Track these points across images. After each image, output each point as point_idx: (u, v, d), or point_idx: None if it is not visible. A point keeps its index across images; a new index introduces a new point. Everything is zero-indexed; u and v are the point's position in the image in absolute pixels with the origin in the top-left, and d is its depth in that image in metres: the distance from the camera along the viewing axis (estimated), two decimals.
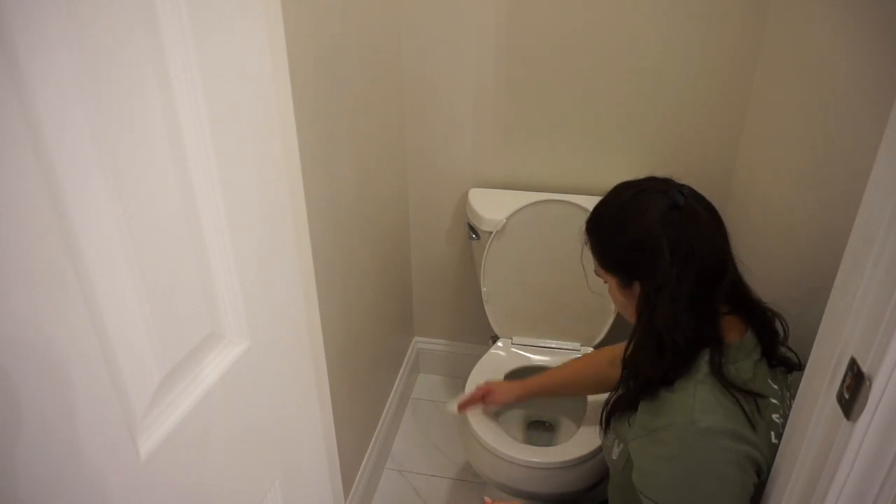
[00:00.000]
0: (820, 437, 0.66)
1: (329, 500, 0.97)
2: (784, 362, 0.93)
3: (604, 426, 1.04)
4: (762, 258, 1.37)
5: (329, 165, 1.24)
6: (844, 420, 0.60)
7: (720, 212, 0.95)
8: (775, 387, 0.90)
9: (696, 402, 0.86)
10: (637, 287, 0.94)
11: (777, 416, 0.88)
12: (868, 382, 0.57)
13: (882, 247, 0.57)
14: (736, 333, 0.92)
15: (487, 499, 1.12)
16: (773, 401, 0.89)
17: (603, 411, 1.04)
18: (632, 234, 0.92)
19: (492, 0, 1.53)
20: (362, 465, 1.64)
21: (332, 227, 1.28)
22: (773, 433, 0.87)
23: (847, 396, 0.60)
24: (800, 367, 0.93)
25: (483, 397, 1.39)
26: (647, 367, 0.93)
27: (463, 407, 1.41)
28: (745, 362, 0.90)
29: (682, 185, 0.93)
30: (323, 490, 0.95)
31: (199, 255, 0.57)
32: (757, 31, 1.43)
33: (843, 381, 0.61)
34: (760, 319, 0.93)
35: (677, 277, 0.87)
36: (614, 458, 1.00)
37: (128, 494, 0.50)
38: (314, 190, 1.15)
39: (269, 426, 0.73)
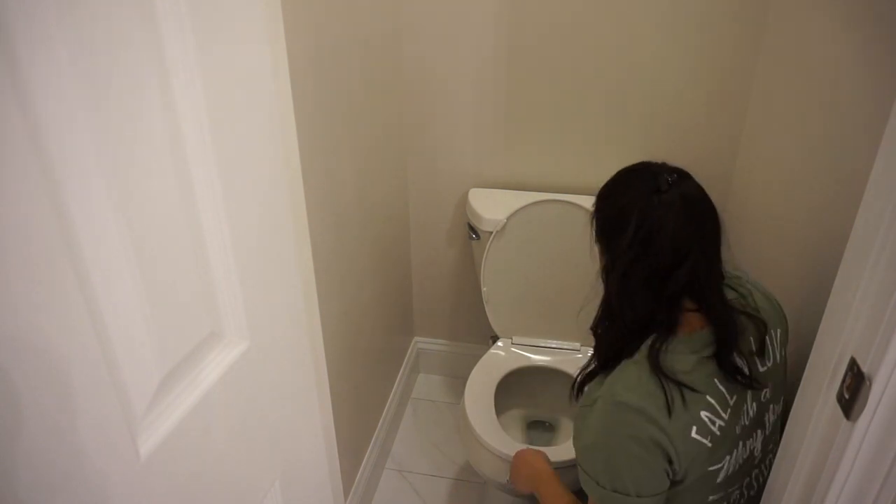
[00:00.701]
0: (820, 437, 0.66)
1: (329, 500, 0.97)
2: (736, 371, 0.91)
3: (574, 393, 1.09)
4: (762, 258, 1.37)
5: (329, 165, 1.24)
6: (844, 420, 0.60)
7: (720, 211, 0.94)
8: (721, 389, 0.90)
9: (622, 377, 0.91)
10: (605, 259, 0.98)
11: (709, 414, 0.88)
12: (868, 382, 0.57)
13: (882, 247, 0.57)
14: (690, 329, 0.93)
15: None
16: (710, 399, 0.89)
17: (575, 380, 1.08)
18: (611, 207, 0.97)
19: (491, 0, 1.53)
20: (362, 465, 1.64)
21: (332, 227, 1.28)
22: (695, 427, 0.87)
23: (847, 396, 0.60)
24: (749, 382, 0.91)
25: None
26: (604, 340, 0.98)
27: None
28: (688, 355, 0.91)
29: (677, 177, 0.93)
30: (323, 490, 0.95)
31: (199, 255, 0.57)
32: (757, 31, 1.43)
33: (843, 381, 0.61)
34: (722, 320, 0.92)
35: (632, 259, 0.91)
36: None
37: (128, 494, 0.50)
38: (314, 190, 1.15)
39: (268, 426, 0.73)
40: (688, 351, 0.91)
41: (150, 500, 0.53)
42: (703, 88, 1.53)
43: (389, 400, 1.87)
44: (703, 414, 0.88)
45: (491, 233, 1.59)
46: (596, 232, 1.01)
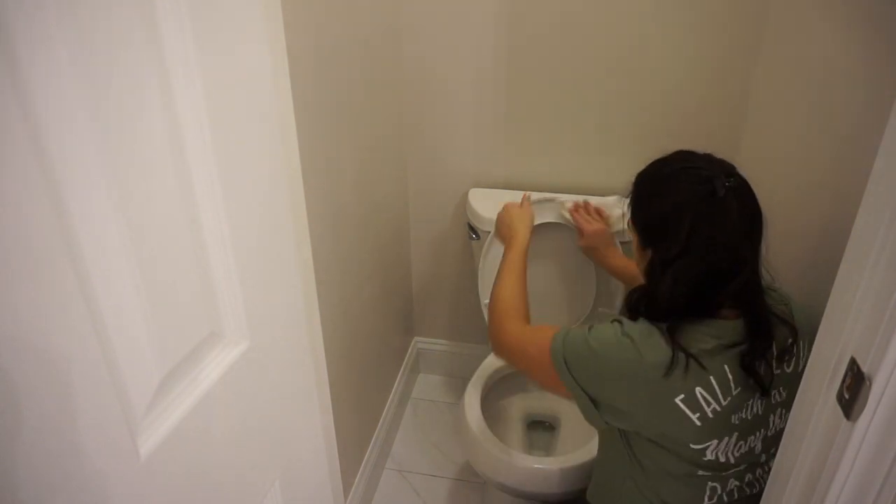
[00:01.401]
0: (820, 437, 0.66)
1: (329, 500, 0.98)
2: (754, 375, 0.91)
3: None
4: (762, 258, 1.37)
5: (329, 165, 1.24)
6: (844, 420, 0.60)
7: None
8: (729, 376, 0.90)
9: (638, 326, 0.92)
10: (650, 253, 0.97)
11: (704, 393, 0.88)
12: (868, 382, 0.57)
13: (882, 247, 0.57)
14: (721, 317, 0.94)
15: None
16: (712, 379, 0.88)
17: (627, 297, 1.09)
18: (660, 206, 0.94)
19: (491, 0, 1.53)
20: (362, 465, 1.64)
21: (332, 227, 1.28)
22: (683, 395, 0.88)
23: (847, 396, 0.60)
24: (764, 389, 0.92)
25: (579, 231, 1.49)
26: (635, 304, 0.98)
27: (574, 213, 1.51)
28: (709, 337, 0.90)
29: (732, 177, 0.92)
30: (323, 490, 0.95)
31: (199, 255, 0.57)
32: (758, 30, 1.43)
33: (843, 381, 0.61)
34: (759, 322, 0.92)
35: (686, 265, 0.89)
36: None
37: (128, 494, 0.50)
38: (314, 190, 1.15)
39: (268, 426, 0.73)
40: (710, 334, 0.91)
41: (150, 500, 0.53)
42: (703, 88, 1.53)
43: (389, 400, 1.87)
44: (698, 390, 0.88)
45: (490, 233, 1.58)
46: (637, 220, 1.00)
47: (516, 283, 1.16)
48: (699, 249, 0.88)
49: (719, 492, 0.97)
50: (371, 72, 1.44)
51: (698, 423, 0.89)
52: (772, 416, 0.97)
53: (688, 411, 0.88)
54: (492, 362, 1.65)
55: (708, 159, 0.96)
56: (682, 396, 0.88)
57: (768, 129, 1.40)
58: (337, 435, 1.08)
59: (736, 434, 0.93)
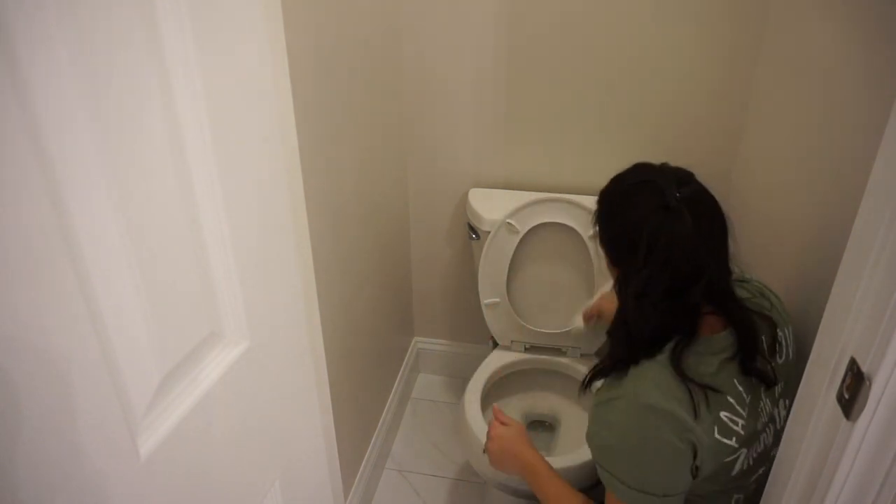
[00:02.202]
0: (820, 437, 0.66)
1: (329, 500, 0.98)
2: (758, 375, 0.92)
3: (584, 385, 1.07)
4: (762, 257, 1.37)
5: (329, 165, 1.24)
6: (844, 420, 0.60)
7: (724, 207, 0.94)
8: (740, 388, 0.91)
9: (646, 379, 0.90)
10: (617, 272, 0.98)
11: (729, 414, 0.89)
12: (868, 382, 0.57)
13: (882, 247, 0.57)
14: (711, 330, 0.94)
15: (496, 406, 1.25)
16: (730, 399, 0.90)
17: (585, 377, 1.07)
18: (618, 223, 0.96)
19: (492, 0, 1.53)
20: (362, 465, 1.64)
21: (332, 227, 1.28)
22: (716, 428, 0.88)
23: (847, 396, 0.60)
24: (774, 382, 0.94)
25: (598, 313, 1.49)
26: (617, 346, 0.97)
27: (588, 318, 1.49)
28: (710, 357, 0.91)
29: (686, 186, 0.92)
30: (323, 490, 0.95)
31: (199, 255, 0.57)
32: (758, 30, 1.43)
33: (843, 381, 0.61)
34: (742, 324, 0.93)
35: (647, 277, 0.90)
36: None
37: (128, 494, 0.50)
38: (314, 190, 1.15)
39: (268, 426, 0.73)
40: (709, 353, 0.91)
41: (150, 500, 0.53)
42: (703, 88, 1.53)
43: (389, 400, 1.87)
44: (723, 414, 0.89)
45: (489, 232, 1.59)
46: (604, 245, 1.01)
47: (561, 487, 1.11)
48: (658, 261, 0.89)
49: (742, 502, 0.98)
50: (371, 72, 1.44)
51: (736, 444, 0.90)
52: (776, 409, 0.98)
53: (725, 440, 0.89)
54: (492, 362, 1.65)
55: (662, 170, 0.96)
56: (716, 429, 0.88)
57: (768, 128, 1.40)
58: (337, 435, 1.08)
59: (759, 437, 0.94)
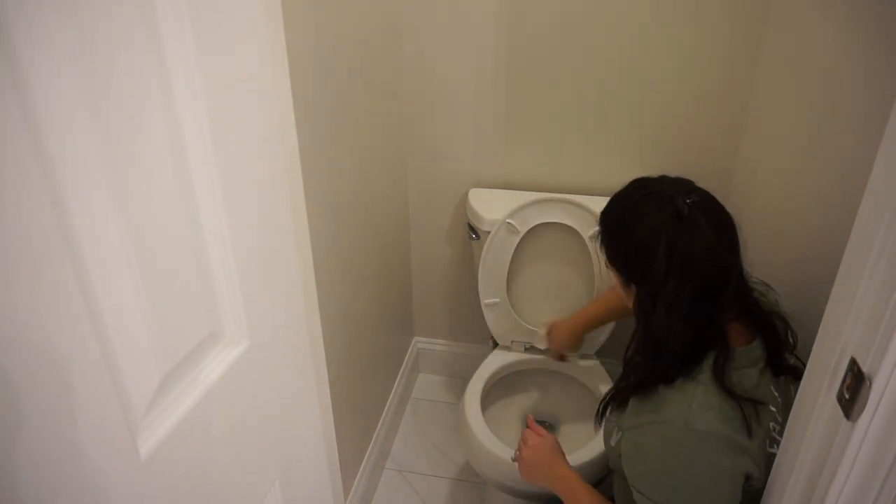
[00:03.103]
0: (820, 437, 0.66)
1: (329, 500, 0.98)
2: (792, 371, 0.92)
3: (599, 417, 1.05)
4: (763, 258, 1.37)
5: (329, 165, 1.24)
6: (844, 420, 0.60)
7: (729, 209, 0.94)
8: (776, 394, 0.91)
9: (694, 402, 0.86)
10: (634, 290, 0.95)
11: (774, 423, 0.88)
12: (868, 382, 0.57)
13: (882, 247, 0.57)
14: (742, 340, 0.92)
15: (531, 416, 1.25)
16: (772, 408, 0.89)
17: (601, 404, 1.05)
18: (630, 238, 0.93)
19: (492, 0, 1.53)
20: (362, 465, 1.64)
21: (332, 227, 1.28)
22: (767, 441, 0.87)
23: (847, 396, 0.60)
24: (800, 376, 0.94)
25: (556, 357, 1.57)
26: (645, 369, 0.93)
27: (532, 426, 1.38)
28: (750, 369, 0.90)
29: (693, 192, 0.91)
30: (323, 490, 0.95)
31: (199, 255, 0.57)
32: (758, 30, 1.43)
33: (843, 381, 0.61)
34: (768, 328, 0.92)
35: (673, 287, 0.87)
36: (612, 444, 1.00)
37: (128, 494, 0.50)
38: (314, 190, 1.15)
39: (269, 426, 0.73)
40: (748, 365, 0.90)
41: (150, 500, 0.53)
42: (703, 87, 1.53)
43: (389, 400, 1.87)
44: (771, 425, 0.88)
45: (489, 232, 1.59)
46: (615, 264, 0.98)
47: (599, 501, 1.07)
48: (680, 271, 0.87)
49: None
50: (371, 72, 1.44)
51: (771, 449, 0.88)
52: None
53: (773, 450, 0.87)
54: (492, 362, 1.65)
55: (664, 182, 0.95)
56: (767, 442, 0.87)
57: (768, 128, 1.40)
58: (337, 435, 1.08)
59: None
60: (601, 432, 1.11)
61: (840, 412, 0.61)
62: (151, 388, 0.52)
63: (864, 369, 0.58)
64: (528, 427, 1.23)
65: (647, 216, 0.91)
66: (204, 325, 0.59)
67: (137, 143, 0.47)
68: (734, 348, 0.90)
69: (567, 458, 1.34)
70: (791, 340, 0.97)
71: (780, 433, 0.87)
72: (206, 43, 0.52)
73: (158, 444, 0.52)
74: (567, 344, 1.51)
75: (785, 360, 0.92)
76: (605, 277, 1.04)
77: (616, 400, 1.01)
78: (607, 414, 1.04)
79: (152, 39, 0.48)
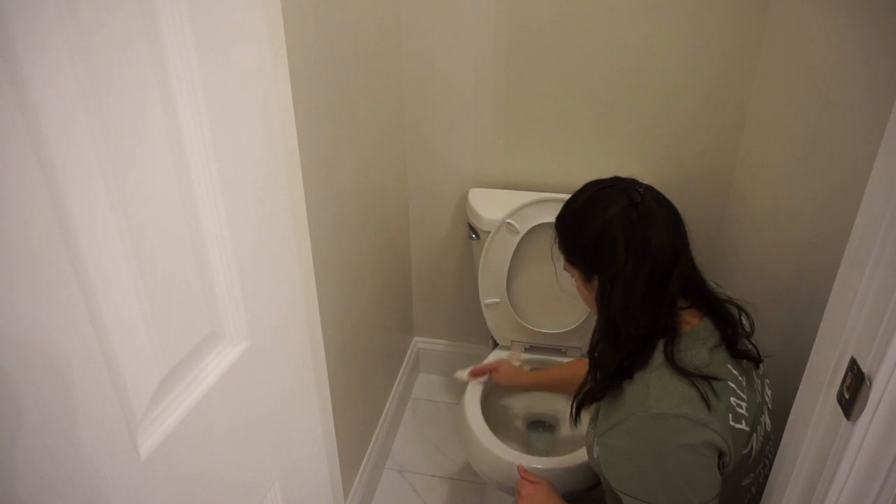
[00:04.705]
0: (820, 437, 0.66)
1: (329, 500, 0.98)
2: (745, 355, 0.96)
3: (573, 417, 1.08)
4: (763, 258, 1.37)
5: (329, 165, 1.24)
6: (844, 420, 0.60)
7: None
8: (735, 372, 0.93)
9: (650, 390, 0.89)
10: (596, 280, 0.99)
11: (736, 399, 0.90)
12: (868, 382, 0.57)
13: (882, 247, 0.57)
14: (691, 325, 0.96)
15: (521, 466, 1.26)
16: (731, 384, 0.91)
17: (572, 403, 1.08)
18: (591, 228, 0.98)
19: (492, 0, 1.53)
20: (362, 465, 1.64)
21: (332, 227, 1.28)
22: (731, 415, 0.88)
23: (847, 396, 0.60)
24: (759, 359, 0.97)
25: (492, 371, 1.54)
26: (607, 358, 0.97)
27: (475, 374, 1.55)
28: (700, 348, 0.93)
29: (642, 185, 0.98)
30: (323, 490, 0.95)
31: (199, 255, 0.57)
32: (758, 29, 1.43)
33: (843, 381, 0.61)
34: (717, 310, 0.97)
35: (632, 271, 0.92)
36: (595, 456, 1.01)
37: (128, 494, 0.50)
38: (314, 190, 1.15)
39: (269, 426, 0.73)
40: (697, 344, 0.93)
41: (150, 500, 0.53)
42: (704, 87, 1.53)
43: (389, 400, 1.87)
44: (732, 400, 0.89)
45: (489, 232, 1.59)
46: (575, 261, 1.03)
47: None
48: (638, 254, 0.92)
49: (753, 492, 0.98)
50: (371, 72, 1.44)
51: (747, 428, 0.90)
52: (766, 390, 0.99)
53: (738, 425, 0.89)
54: (492, 362, 1.65)
55: (616, 179, 1.02)
56: (731, 416, 0.88)
57: (768, 128, 1.40)
58: (337, 435, 1.08)
59: (760, 419, 0.95)
60: (571, 424, 1.12)
61: (840, 412, 0.61)
62: (151, 388, 0.52)
63: (864, 369, 0.58)
64: (519, 476, 1.24)
65: (604, 207, 0.96)
66: (204, 325, 0.59)
67: (137, 143, 0.47)
68: (682, 332, 0.95)
69: (567, 458, 1.34)
70: (748, 326, 1.00)
71: (747, 410, 0.90)
72: (206, 43, 0.52)
73: (158, 444, 0.52)
74: (509, 379, 1.55)
75: (739, 343, 0.95)
76: (562, 282, 1.07)
77: (587, 400, 1.04)
78: (581, 416, 1.08)
79: (152, 39, 0.48)
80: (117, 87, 0.44)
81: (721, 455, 0.88)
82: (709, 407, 0.86)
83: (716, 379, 0.89)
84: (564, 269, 1.07)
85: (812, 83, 1.19)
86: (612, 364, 0.96)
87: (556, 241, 1.06)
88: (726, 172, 1.60)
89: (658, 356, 0.92)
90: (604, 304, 0.97)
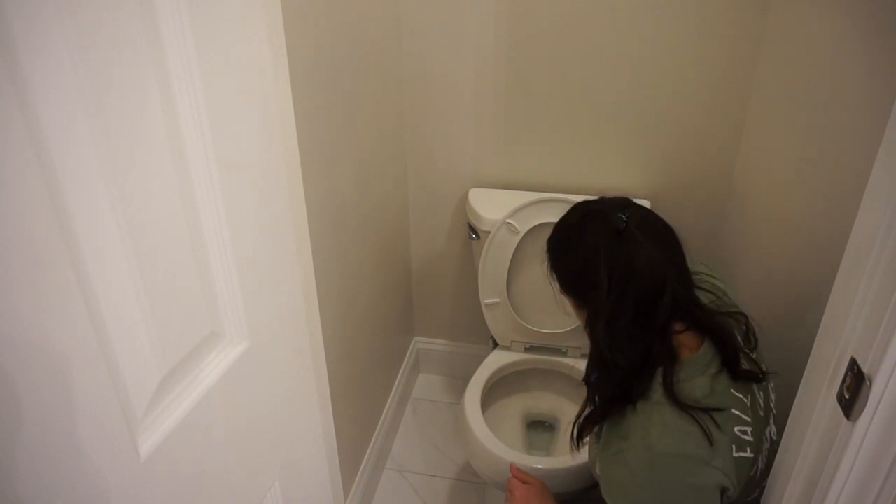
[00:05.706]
0: (820, 437, 0.66)
1: (329, 500, 0.98)
2: (748, 376, 0.92)
3: (575, 442, 1.05)
4: (763, 258, 1.37)
5: (329, 165, 1.24)
6: (844, 420, 0.60)
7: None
8: (739, 395, 0.90)
9: (651, 425, 0.88)
10: (585, 311, 0.97)
11: (740, 427, 0.88)
12: (868, 382, 0.57)
13: (882, 247, 0.57)
14: (690, 349, 0.93)
15: (514, 464, 1.22)
16: (735, 412, 0.89)
17: (573, 427, 1.05)
18: (574, 258, 0.97)
19: (492, 0, 1.53)
20: (362, 465, 1.64)
21: (332, 227, 1.28)
22: (734, 447, 0.87)
23: (847, 396, 0.60)
24: (762, 378, 0.94)
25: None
26: (603, 385, 0.96)
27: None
28: (700, 378, 0.90)
29: (628, 209, 0.95)
30: (323, 490, 0.95)
31: (199, 255, 0.57)
32: (758, 30, 1.43)
33: (843, 381, 0.61)
34: (717, 332, 0.93)
35: (614, 302, 0.90)
36: (598, 472, 1.01)
37: (128, 494, 0.50)
38: (314, 190, 1.15)
39: (269, 426, 0.73)
40: (697, 374, 0.91)
41: (150, 500, 0.53)
42: (704, 88, 1.53)
43: (389, 400, 1.87)
44: (736, 430, 0.88)
45: (489, 232, 1.59)
46: (565, 288, 1.01)
47: None
48: (621, 284, 0.89)
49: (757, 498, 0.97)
50: (371, 72, 1.44)
51: (752, 454, 0.88)
52: (770, 397, 0.98)
53: (743, 454, 0.87)
54: (492, 362, 1.65)
55: (602, 202, 0.99)
56: (734, 447, 0.87)
57: (768, 128, 1.40)
58: (337, 435, 1.08)
59: (763, 436, 0.93)
60: (571, 448, 1.08)
61: (840, 412, 0.61)
62: (151, 388, 0.52)
63: (864, 369, 0.58)
64: (512, 476, 1.22)
65: (587, 235, 0.94)
66: (204, 325, 0.59)
67: (137, 143, 0.47)
68: (682, 360, 0.91)
69: (567, 458, 1.34)
70: (752, 340, 0.98)
71: (752, 434, 0.88)
72: (206, 43, 0.52)
73: (158, 444, 0.52)
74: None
75: (740, 364, 0.92)
76: (560, 305, 1.06)
77: (587, 424, 1.03)
78: (584, 440, 1.05)
79: (152, 39, 0.48)
80: (117, 87, 0.44)
81: (724, 490, 0.86)
82: (711, 442, 0.84)
83: (719, 410, 0.87)
84: (560, 293, 1.05)
85: (812, 83, 1.19)
86: (608, 391, 0.94)
87: (548, 265, 1.04)
88: (726, 172, 1.60)
89: (658, 388, 0.89)
90: (592, 334, 0.96)
